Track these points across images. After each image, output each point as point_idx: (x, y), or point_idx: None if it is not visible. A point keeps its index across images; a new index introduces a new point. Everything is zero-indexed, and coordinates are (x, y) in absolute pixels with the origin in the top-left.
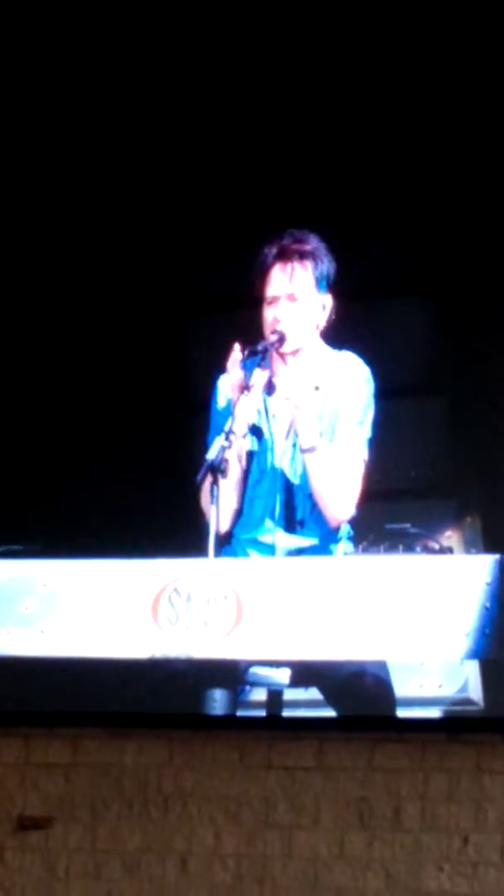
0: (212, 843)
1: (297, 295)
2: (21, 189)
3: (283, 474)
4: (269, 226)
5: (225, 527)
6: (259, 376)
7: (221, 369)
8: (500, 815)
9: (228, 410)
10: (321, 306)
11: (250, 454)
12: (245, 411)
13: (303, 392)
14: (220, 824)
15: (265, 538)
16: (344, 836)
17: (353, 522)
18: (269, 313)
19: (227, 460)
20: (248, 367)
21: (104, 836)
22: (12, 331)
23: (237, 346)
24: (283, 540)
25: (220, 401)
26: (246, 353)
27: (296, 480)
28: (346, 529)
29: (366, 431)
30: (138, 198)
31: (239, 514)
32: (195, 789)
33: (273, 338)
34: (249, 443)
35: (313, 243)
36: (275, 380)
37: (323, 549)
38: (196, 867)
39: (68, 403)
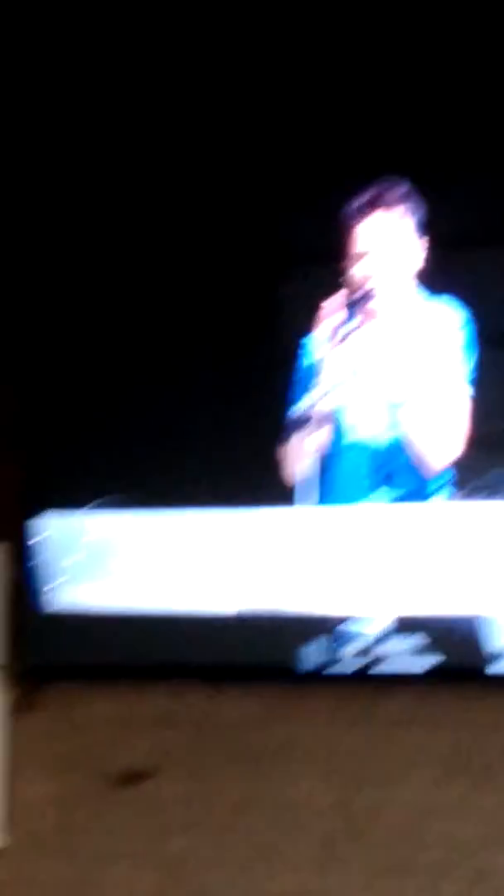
0: (309, 798)
1: (391, 243)
2: (117, 133)
3: (376, 428)
4: (361, 174)
5: (316, 480)
6: (353, 328)
7: (314, 322)
8: None
9: (320, 363)
10: (416, 254)
11: (342, 408)
12: (337, 365)
13: (398, 343)
14: (315, 778)
15: (358, 491)
16: (439, 789)
17: (454, 470)
18: (362, 263)
19: (319, 414)
20: (342, 320)
21: (205, 789)
22: (102, 283)
23: (331, 299)
24: (377, 493)
25: (312, 354)
26: (339, 305)
27: (389, 433)
28: (445, 477)
29: (465, 378)
30: (230, 150)
31: (330, 468)
32: (291, 743)
33: (367, 288)
34: (342, 396)
35: (406, 190)
36: (369, 331)
37: (419, 498)
38: (294, 821)
39: (157, 357)
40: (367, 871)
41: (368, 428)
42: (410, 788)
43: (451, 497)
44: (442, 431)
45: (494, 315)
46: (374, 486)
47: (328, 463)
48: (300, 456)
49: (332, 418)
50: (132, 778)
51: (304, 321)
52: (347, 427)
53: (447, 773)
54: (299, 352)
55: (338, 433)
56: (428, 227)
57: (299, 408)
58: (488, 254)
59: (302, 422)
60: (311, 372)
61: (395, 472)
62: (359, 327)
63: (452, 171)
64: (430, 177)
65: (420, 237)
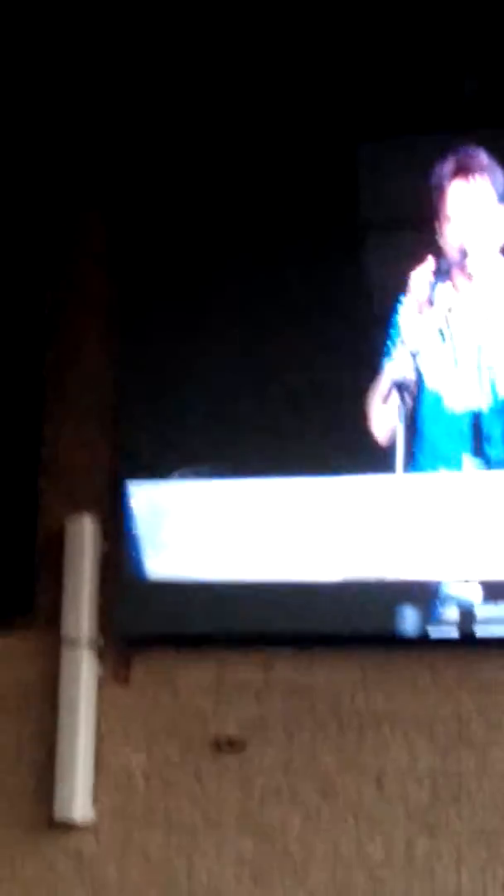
0: (406, 763)
1: (477, 210)
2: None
3: (467, 393)
4: (442, 142)
5: (408, 447)
6: (442, 294)
7: (404, 288)
8: None
9: (411, 329)
10: (501, 220)
11: (431, 373)
12: (428, 330)
13: (487, 308)
14: (414, 743)
15: (451, 456)
16: None
17: None
18: (450, 230)
19: (412, 379)
20: (431, 285)
21: (299, 757)
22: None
23: (420, 265)
24: (470, 458)
25: (402, 320)
26: (429, 271)
27: (482, 399)
28: None
29: None
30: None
31: (421, 433)
32: (388, 709)
33: (456, 255)
34: (433, 361)
35: (487, 157)
36: (459, 297)
37: None
38: (391, 787)
39: (246, 325)
40: (466, 837)
41: (458, 394)
42: None
43: None
44: None
45: None
46: (463, 452)
47: (419, 429)
48: (391, 422)
49: (422, 384)
50: (226, 746)
51: (394, 287)
52: (437, 393)
53: None
54: (389, 318)
55: (427, 399)
56: None
57: (389, 373)
58: None
59: (392, 387)
60: (401, 337)
61: (486, 437)
62: (448, 293)
63: None
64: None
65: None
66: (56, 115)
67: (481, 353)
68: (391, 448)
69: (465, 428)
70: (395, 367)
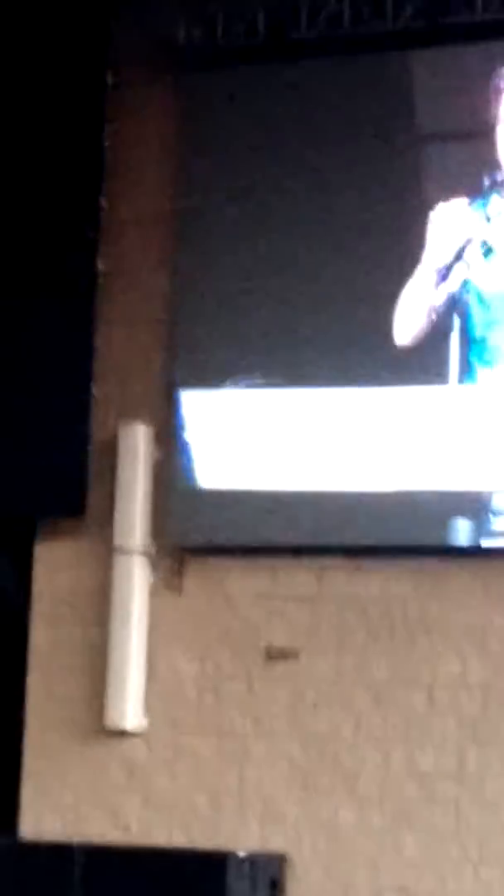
0: (458, 673)
1: None
2: None
3: None
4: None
5: (463, 357)
6: (498, 204)
7: (455, 197)
8: None
9: (465, 239)
10: None
11: (488, 282)
12: (484, 240)
13: None
14: (466, 654)
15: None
16: None
17: None
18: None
19: (467, 289)
20: (485, 196)
21: (351, 666)
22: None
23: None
24: None
25: (455, 229)
26: (480, 181)
27: None
28: None
29: None
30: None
31: (475, 342)
32: (440, 619)
33: None
34: (488, 271)
35: None
36: None
37: None
38: (442, 697)
39: (296, 236)
40: None
41: None
42: None
43: None
44: None
45: None
46: None
47: (472, 338)
48: (445, 334)
49: (477, 294)
50: (278, 655)
51: (447, 197)
52: (490, 300)
53: None
54: (442, 228)
55: (481, 308)
56: None
57: (444, 286)
58: None
59: (447, 300)
60: (453, 247)
61: None
62: (502, 204)
63: None
64: None
65: None
66: None
67: None
68: (445, 358)
69: None
70: (450, 280)
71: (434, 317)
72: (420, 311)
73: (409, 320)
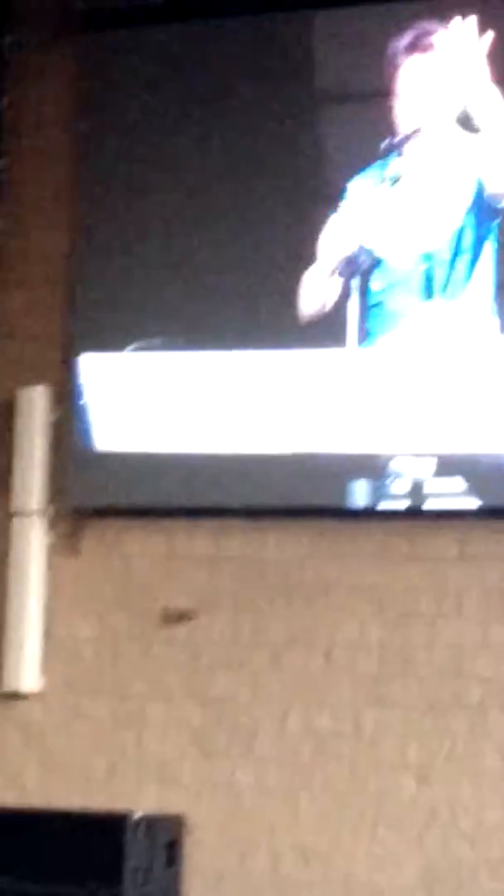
0: (355, 634)
1: (432, 85)
2: None
3: (416, 258)
4: (398, 15)
5: (361, 320)
6: (397, 168)
7: (358, 160)
8: None
9: (362, 203)
10: (455, 94)
11: (383, 244)
12: (380, 201)
13: (439, 182)
14: (363, 615)
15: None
16: (487, 625)
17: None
18: (404, 104)
19: (365, 252)
20: (384, 158)
21: (248, 628)
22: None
23: (373, 139)
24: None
25: (354, 197)
26: (381, 144)
27: (431, 256)
28: None
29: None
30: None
31: (372, 304)
32: (338, 581)
33: (409, 129)
34: (384, 232)
35: (441, 33)
36: (411, 169)
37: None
38: (340, 658)
39: (194, 200)
40: (414, 709)
41: (407, 260)
42: (458, 625)
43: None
44: None
45: None
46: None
47: (370, 300)
48: (341, 296)
49: (372, 255)
50: (176, 617)
51: (346, 160)
52: (386, 262)
53: (495, 609)
54: (339, 191)
55: (378, 269)
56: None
57: (340, 247)
58: None
59: (343, 260)
60: (351, 211)
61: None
62: (400, 165)
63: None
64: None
65: (457, 80)
66: None
67: (430, 219)
68: (343, 322)
69: (415, 287)
70: (346, 240)
71: (333, 280)
72: (320, 275)
73: (309, 284)
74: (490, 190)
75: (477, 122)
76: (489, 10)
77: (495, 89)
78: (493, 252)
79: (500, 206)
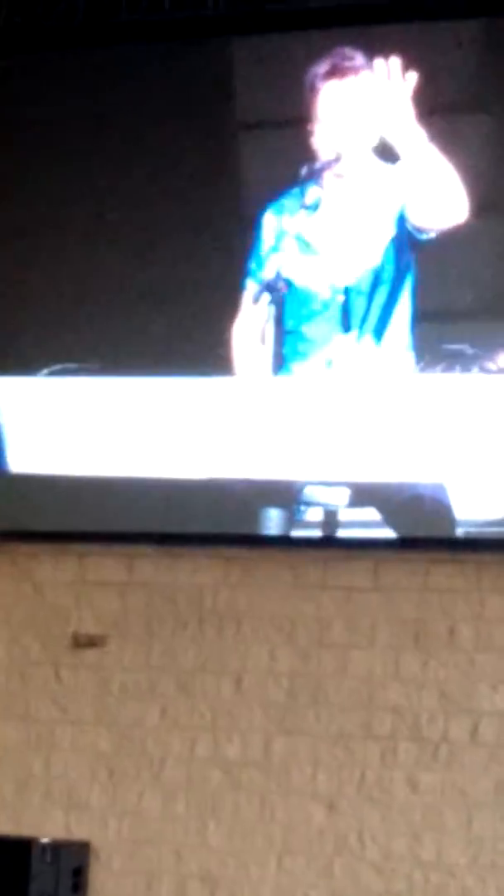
0: (266, 663)
1: (351, 111)
2: None
3: (334, 286)
4: (318, 43)
5: (277, 347)
6: (314, 194)
7: (275, 188)
8: None
9: (280, 230)
10: (373, 121)
11: (301, 272)
12: (298, 229)
13: (358, 207)
14: (274, 644)
15: (318, 348)
16: (399, 655)
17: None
18: (323, 131)
19: (282, 280)
20: (302, 186)
21: (158, 654)
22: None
23: (292, 166)
24: (342, 349)
25: (273, 219)
26: (299, 172)
27: (349, 289)
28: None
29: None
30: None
31: (289, 332)
32: (249, 609)
33: (328, 156)
34: (302, 261)
35: (361, 60)
36: (330, 197)
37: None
38: (250, 686)
39: (115, 225)
40: (323, 738)
41: (325, 288)
42: (369, 655)
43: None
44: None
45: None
46: (332, 337)
47: (286, 328)
48: (259, 323)
49: (290, 283)
50: (85, 643)
51: (265, 187)
52: (305, 290)
53: (407, 640)
54: (257, 218)
55: (295, 297)
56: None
57: (258, 275)
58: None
59: (261, 289)
60: (269, 239)
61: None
62: (319, 193)
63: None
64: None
65: (375, 108)
66: None
67: (349, 249)
68: (259, 349)
69: (333, 317)
70: (263, 269)
71: (251, 308)
72: (237, 302)
73: (225, 310)
74: (412, 222)
75: (398, 151)
76: (410, 40)
77: (415, 120)
78: (411, 286)
79: (421, 238)
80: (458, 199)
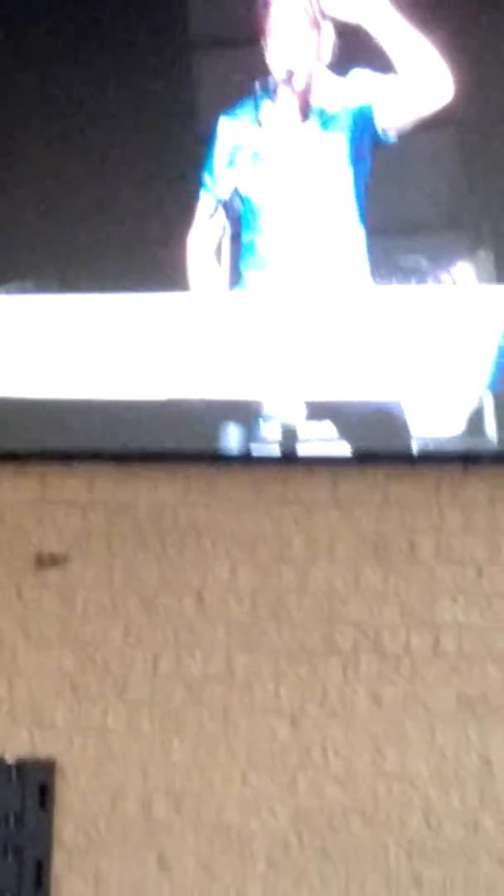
0: (227, 579)
1: (304, 27)
2: None
3: (289, 204)
4: None
5: (233, 263)
6: (268, 111)
7: (229, 106)
8: None
9: (234, 146)
10: (327, 36)
11: (256, 189)
12: (252, 146)
13: (309, 126)
14: (235, 560)
15: (278, 268)
16: (359, 570)
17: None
18: (276, 47)
19: (238, 196)
20: (256, 103)
21: (121, 573)
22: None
23: (245, 82)
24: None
25: (227, 137)
26: (253, 88)
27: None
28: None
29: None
30: None
31: (245, 248)
32: (210, 526)
33: (282, 73)
34: (259, 177)
35: None
36: (284, 114)
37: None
38: (212, 603)
39: (66, 137)
40: (286, 654)
41: (279, 213)
42: (330, 570)
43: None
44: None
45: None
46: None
47: (242, 244)
48: (215, 240)
49: (244, 200)
50: (48, 563)
51: (218, 104)
52: (260, 207)
53: (366, 555)
54: (212, 135)
55: (251, 214)
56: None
57: (213, 191)
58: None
59: (216, 205)
60: (224, 155)
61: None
62: (273, 110)
63: None
64: None
65: (328, 21)
66: None
67: (304, 162)
68: (215, 264)
69: (289, 231)
70: (218, 185)
71: (207, 224)
72: (193, 217)
73: (180, 226)
74: (377, 125)
75: (359, 55)
76: None
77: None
78: (367, 198)
79: (386, 140)
80: (442, 78)
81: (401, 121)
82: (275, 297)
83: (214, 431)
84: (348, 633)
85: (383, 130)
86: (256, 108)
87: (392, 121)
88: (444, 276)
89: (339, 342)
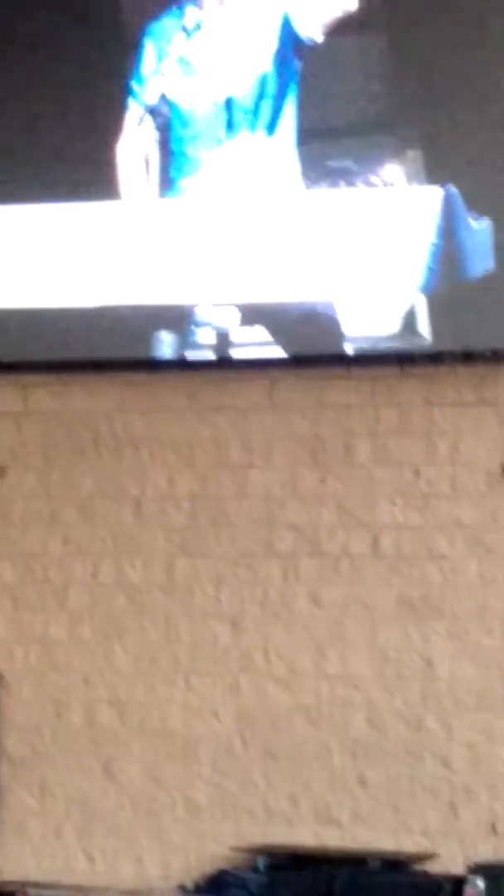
0: (165, 486)
1: None
2: None
3: (222, 109)
4: None
5: (164, 170)
6: (193, 16)
7: (154, 11)
8: (449, 447)
9: (161, 53)
10: None
11: (182, 93)
12: (178, 50)
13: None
14: (172, 467)
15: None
16: (297, 473)
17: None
18: None
19: (165, 102)
20: (180, 8)
21: (58, 482)
22: None
23: None
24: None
25: (151, 44)
26: None
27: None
28: None
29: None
30: None
31: (174, 154)
32: (147, 433)
33: None
34: (186, 83)
35: None
36: (210, 17)
37: None
38: (150, 510)
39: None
40: (225, 558)
41: (208, 117)
42: (267, 475)
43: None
44: None
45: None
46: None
47: (172, 150)
48: (143, 147)
49: (172, 105)
50: None
51: (144, 11)
52: (188, 111)
53: (304, 458)
54: (139, 42)
55: (179, 119)
56: None
57: (140, 98)
58: None
59: (144, 112)
60: (151, 62)
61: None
62: (198, 16)
63: None
64: None
65: None
66: None
67: (231, 67)
68: (144, 172)
69: (217, 137)
70: (146, 92)
71: (136, 130)
72: (122, 126)
73: (111, 135)
74: (297, 29)
75: None
76: None
77: None
78: (295, 102)
79: (307, 43)
80: None
81: (320, 22)
82: (205, 202)
83: (148, 339)
84: (287, 537)
85: (305, 34)
86: (181, 13)
87: (311, 24)
88: (374, 178)
89: (271, 246)
